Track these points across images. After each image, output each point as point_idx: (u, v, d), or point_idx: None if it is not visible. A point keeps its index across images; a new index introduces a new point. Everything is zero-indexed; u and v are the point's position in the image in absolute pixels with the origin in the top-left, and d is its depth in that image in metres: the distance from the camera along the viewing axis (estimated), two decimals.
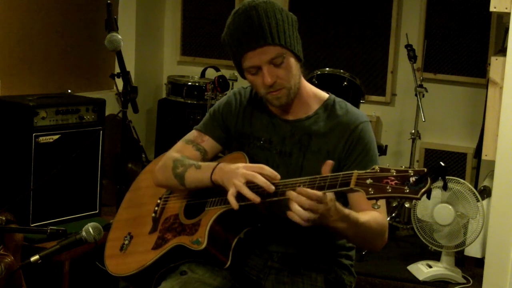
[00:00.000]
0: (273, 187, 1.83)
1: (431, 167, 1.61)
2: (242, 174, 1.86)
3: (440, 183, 1.62)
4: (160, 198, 2.20)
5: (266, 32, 1.93)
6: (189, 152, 2.16)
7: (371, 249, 2.08)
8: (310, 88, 2.14)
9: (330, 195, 1.76)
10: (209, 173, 1.98)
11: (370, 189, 1.66)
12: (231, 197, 1.86)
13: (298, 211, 1.75)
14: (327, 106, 2.11)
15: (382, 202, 1.71)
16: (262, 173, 1.86)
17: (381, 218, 1.97)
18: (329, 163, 1.79)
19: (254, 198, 1.83)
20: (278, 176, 1.86)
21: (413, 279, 3.68)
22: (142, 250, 2.10)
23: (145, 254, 2.07)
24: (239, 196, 1.86)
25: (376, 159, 2.06)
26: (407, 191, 1.62)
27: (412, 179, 1.62)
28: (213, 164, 2.01)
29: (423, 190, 1.60)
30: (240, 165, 1.93)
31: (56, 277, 3.23)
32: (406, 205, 3.84)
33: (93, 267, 3.14)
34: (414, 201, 3.38)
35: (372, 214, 1.93)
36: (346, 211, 1.83)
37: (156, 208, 2.18)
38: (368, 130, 2.07)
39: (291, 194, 1.76)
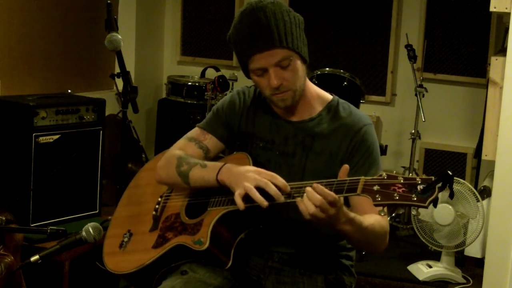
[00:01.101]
0: (283, 198, 1.82)
1: (439, 175, 1.60)
2: (254, 179, 1.85)
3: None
4: (161, 196, 2.19)
5: (274, 34, 1.92)
6: (192, 150, 2.15)
7: (373, 251, 2.08)
8: (314, 89, 2.14)
9: (341, 199, 1.76)
10: (215, 173, 1.97)
11: (377, 196, 1.66)
12: (238, 198, 1.85)
13: (307, 204, 1.74)
14: (331, 108, 2.11)
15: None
16: (273, 182, 1.84)
17: (384, 221, 1.97)
18: (346, 167, 1.79)
19: (262, 202, 1.82)
20: (288, 188, 1.84)
21: (413, 279, 3.68)
22: (142, 248, 2.09)
23: (145, 253, 2.06)
24: (245, 198, 1.85)
25: (378, 161, 2.06)
26: (415, 199, 1.62)
27: (419, 187, 1.62)
28: (219, 164, 2.00)
29: (430, 198, 1.60)
30: (251, 168, 1.92)
31: (56, 277, 3.23)
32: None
33: (93, 267, 3.14)
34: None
35: (375, 218, 1.92)
36: (351, 214, 1.83)
37: (157, 206, 2.16)
38: (371, 132, 2.07)
39: (307, 189, 1.75)
